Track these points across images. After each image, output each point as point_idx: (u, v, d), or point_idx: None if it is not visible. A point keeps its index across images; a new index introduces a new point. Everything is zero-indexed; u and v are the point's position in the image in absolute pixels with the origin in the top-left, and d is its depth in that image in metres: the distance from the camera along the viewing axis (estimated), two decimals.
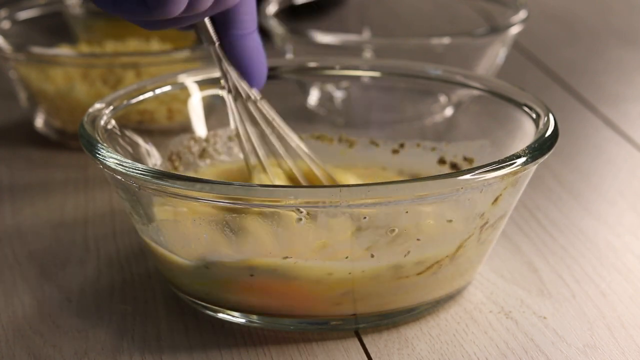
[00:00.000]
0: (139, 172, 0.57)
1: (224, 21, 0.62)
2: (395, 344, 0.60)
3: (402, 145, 0.73)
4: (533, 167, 0.60)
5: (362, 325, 0.61)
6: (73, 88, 0.85)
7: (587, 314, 0.62)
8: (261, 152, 0.65)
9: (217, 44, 0.63)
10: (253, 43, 0.63)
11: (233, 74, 0.64)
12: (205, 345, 0.60)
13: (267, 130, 0.65)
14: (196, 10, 0.57)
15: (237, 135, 0.66)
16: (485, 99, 0.70)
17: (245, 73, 0.64)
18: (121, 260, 0.69)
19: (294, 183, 0.66)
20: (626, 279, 0.66)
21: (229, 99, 0.65)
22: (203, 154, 0.72)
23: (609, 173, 0.82)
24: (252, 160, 0.65)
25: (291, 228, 0.57)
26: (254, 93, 0.65)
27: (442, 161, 0.71)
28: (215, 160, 0.72)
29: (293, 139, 0.66)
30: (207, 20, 0.62)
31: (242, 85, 0.64)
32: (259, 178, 0.65)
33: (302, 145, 0.66)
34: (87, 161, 0.82)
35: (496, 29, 0.91)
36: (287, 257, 0.58)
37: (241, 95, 0.64)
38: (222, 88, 0.64)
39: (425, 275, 0.59)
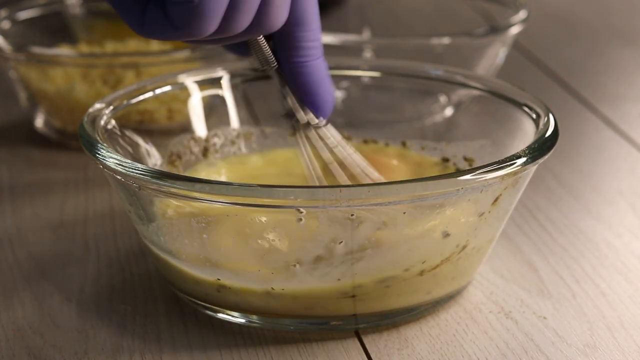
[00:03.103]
0: (139, 172, 0.57)
1: (283, 47, 0.58)
2: (395, 344, 0.60)
3: (403, 144, 0.73)
4: (533, 167, 0.60)
5: (362, 325, 0.61)
6: (73, 88, 0.85)
7: (587, 314, 0.62)
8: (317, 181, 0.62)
9: (272, 65, 0.59)
10: (312, 72, 0.59)
11: (289, 98, 0.60)
12: (205, 345, 0.60)
13: (328, 159, 0.61)
14: (231, 31, 0.54)
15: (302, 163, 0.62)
16: (485, 99, 0.70)
17: (306, 101, 0.60)
18: (121, 260, 0.69)
19: None
20: (626, 279, 0.66)
21: (289, 124, 0.61)
22: (205, 153, 0.72)
23: (609, 173, 0.82)
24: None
25: (292, 229, 0.57)
26: (315, 119, 0.61)
27: (444, 161, 0.71)
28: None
29: (357, 164, 0.62)
30: (258, 42, 0.58)
31: (299, 110, 0.60)
32: None
33: (372, 172, 0.63)
34: (87, 161, 0.82)
35: (496, 29, 0.91)
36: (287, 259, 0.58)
37: (297, 120, 0.61)
38: (288, 116, 0.61)
39: (425, 276, 0.59)
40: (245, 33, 0.56)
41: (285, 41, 0.58)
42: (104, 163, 0.59)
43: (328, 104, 0.60)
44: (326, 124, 0.62)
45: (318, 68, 0.59)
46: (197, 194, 0.56)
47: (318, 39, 0.59)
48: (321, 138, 0.61)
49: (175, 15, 0.53)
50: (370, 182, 0.62)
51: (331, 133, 0.62)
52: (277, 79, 0.60)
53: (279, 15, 0.56)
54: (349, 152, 0.62)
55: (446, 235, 0.59)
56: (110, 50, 0.92)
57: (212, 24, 0.53)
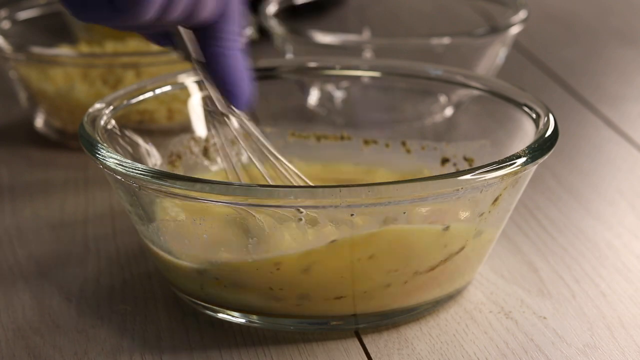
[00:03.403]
0: (139, 172, 0.57)
1: (203, 36, 0.60)
2: (395, 344, 0.60)
3: (403, 144, 0.73)
4: (533, 167, 0.60)
5: (362, 325, 0.61)
6: (73, 88, 0.85)
7: (587, 314, 0.62)
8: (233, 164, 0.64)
9: (195, 57, 0.61)
10: (232, 63, 0.61)
11: (209, 89, 0.61)
12: (205, 345, 0.60)
13: (244, 147, 0.63)
14: (169, 16, 0.56)
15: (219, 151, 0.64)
16: (485, 99, 0.70)
17: (224, 91, 0.61)
18: (121, 260, 0.69)
19: None
20: (626, 279, 0.66)
21: (207, 116, 0.63)
22: (206, 153, 0.72)
23: (609, 173, 0.82)
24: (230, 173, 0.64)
25: (292, 229, 0.57)
26: (231, 110, 0.62)
27: (444, 161, 0.71)
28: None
29: (276, 157, 0.63)
30: (184, 33, 0.60)
31: (219, 101, 0.62)
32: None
33: (284, 162, 0.64)
34: (87, 161, 0.82)
35: (496, 29, 0.91)
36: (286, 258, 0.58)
37: (215, 111, 0.62)
38: (205, 107, 0.63)
39: (425, 276, 0.59)
40: (179, 21, 0.58)
41: (209, 32, 0.60)
42: (104, 163, 0.59)
43: (245, 95, 0.62)
44: (247, 118, 0.63)
45: (237, 59, 0.61)
46: (197, 194, 0.56)
47: (239, 33, 0.61)
48: (237, 129, 0.63)
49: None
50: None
51: (249, 125, 0.63)
52: (198, 70, 0.61)
53: (211, 7, 0.58)
54: (260, 143, 0.63)
55: (446, 235, 0.59)
56: (110, 50, 0.91)
57: (153, 8, 0.55)
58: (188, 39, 0.60)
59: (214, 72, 0.61)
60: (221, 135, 0.63)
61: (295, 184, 0.63)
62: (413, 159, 0.72)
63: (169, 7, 0.56)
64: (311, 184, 0.64)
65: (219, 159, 0.65)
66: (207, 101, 0.62)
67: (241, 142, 0.63)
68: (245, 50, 0.61)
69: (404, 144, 0.73)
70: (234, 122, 0.63)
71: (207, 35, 0.60)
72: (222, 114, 0.62)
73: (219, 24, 0.60)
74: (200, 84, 0.62)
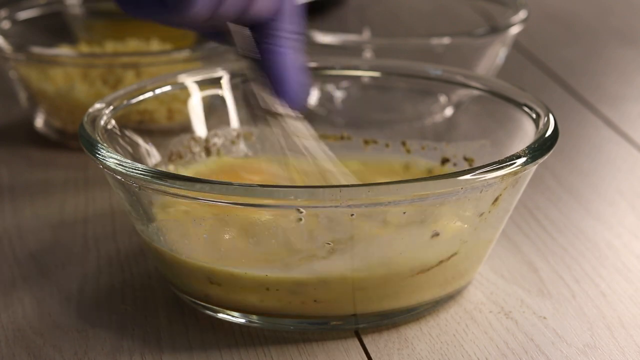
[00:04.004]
0: (139, 172, 0.57)
1: (262, 35, 0.60)
2: (395, 344, 0.60)
3: (403, 144, 0.73)
4: (533, 167, 0.60)
5: (362, 325, 0.61)
6: (73, 88, 0.85)
7: (587, 314, 0.62)
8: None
9: (250, 53, 0.60)
10: (285, 61, 0.60)
11: (257, 86, 0.61)
12: (205, 345, 0.60)
13: (291, 149, 0.62)
14: (221, 13, 0.56)
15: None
16: (485, 99, 0.70)
17: (278, 90, 0.61)
18: (121, 260, 0.69)
19: None
20: (626, 279, 0.66)
21: (255, 112, 0.63)
22: (207, 153, 0.72)
23: (609, 173, 0.82)
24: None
25: (292, 229, 0.57)
26: (280, 109, 0.61)
27: (444, 161, 0.71)
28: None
29: (322, 158, 0.62)
30: (237, 30, 0.59)
31: (267, 99, 0.61)
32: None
33: (341, 169, 0.63)
34: (87, 161, 0.82)
35: (496, 29, 0.91)
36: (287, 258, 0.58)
37: (262, 109, 0.62)
38: (254, 106, 0.62)
39: (424, 275, 0.59)
40: (232, 18, 0.57)
41: (264, 30, 0.60)
42: (104, 163, 0.59)
43: (299, 95, 0.61)
44: (300, 118, 0.62)
45: (290, 58, 0.60)
46: (197, 194, 0.56)
47: (297, 32, 0.60)
48: (290, 129, 0.62)
49: None
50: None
51: (303, 127, 0.62)
52: (253, 68, 0.61)
53: (265, 5, 0.58)
54: (316, 149, 0.62)
55: (446, 235, 0.59)
56: (110, 50, 0.92)
57: (204, 7, 0.55)
58: (241, 36, 0.60)
59: (266, 70, 0.60)
60: (276, 137, 0.62)
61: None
62: (413, 159, 0.72)
63: (221, 5, 0.56)
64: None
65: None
66: (256, 100, 0.61)
67: (282, 141, 0.62)
68: (301, 50, 0.61)
69: (403, 143, 0.73)
70: (281, 121, 0.62)
71: (262, 33, 0.60)
72: (271, 113, 0.61)
73: (274, 22, 0.59)
74: (251, 81, 0.61)
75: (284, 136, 0.62)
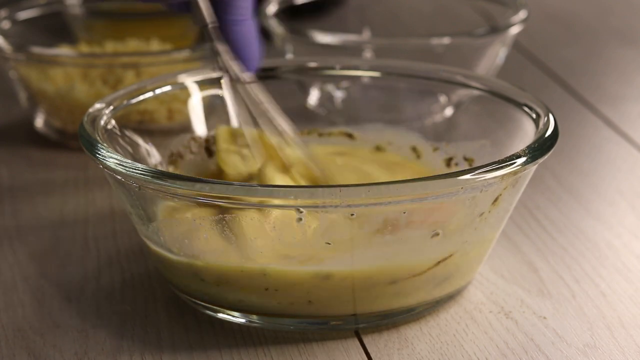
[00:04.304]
0: (139, 172, 0.57)
1: (220, 5, 0.64)
2: (395, 344, 0.60)
3: (413, 149, 0.73)
4: (533, 167, 0.60)
5: (362, 325, 0.61)
6: (73, 88, 0.85)
7: (587, 314, 0.62)
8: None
9: (210, 25, 0.64)
10: (246, 29, 0.65)
11: (224, 56, 0.65)
12: (205, 345, 0.60)
13: (256, 113, 0.66)
14: None
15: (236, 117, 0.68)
16: (485, 99, 0.70)
17: (238, 57, 0.65)
18: (121, 260, 0.69)
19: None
20: (626, 279, 0.66)
21: (222, 80, 0.66)
22: (210, 154, 0.72)
23: (609, 173, 0.82)
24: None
25: (291, 229, 0.57)
26: (245, 76, 0.65)
27: (448, 161, 0.71)
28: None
29: (281, 123, 0.66)
30: (202, 2, 0.63)
31: (232, 68, 0.65)
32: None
33: (290, 131, 0.66)
34: (87, 161, 0.82)
35: (496, 29, 0.91)
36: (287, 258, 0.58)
37: (231, 77, 0.65)
38: (218, 69, 0.65)
39: (424, 275, 0.59)
40: None
41: (222, 1, 0.64)
42: (104, 163, 0.59)
43: (255, 60, 0.66)
44: (257, 85, 0.66)
45: (247, 27, 0.65)
46: (197, 194, 0.56)
47: (251, 3, 0.65)
48: (248, 92, 0.66)
49: None
50: (289, 138, 0.66)
51: (257, 91, 0.66)
52: (212, 36, 0.64)
53: None
54: (272, 110, 0.66)
55: (446, 235, 0.59)
56: (110, 50, 0.92)
57: None
58: (204, 6, 0.64)
59: (226, 37, 0.64)
60: (235, 100, 0.66)
61: (293, 152, 0.66)
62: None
63: None
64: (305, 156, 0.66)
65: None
66: (220, 66, 0.65)
67: (250, 107, 0.66)
68: (254, 18, 0.65)
69: (415, 152, 0.73)
70: (244, 87, 0.66)
71: (221, 4, 0.64)
72: (233, 79, 0.65)
73: None
74: (213, 51, 0.65)
75: (249, 101, 0.66)
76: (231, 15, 0.64)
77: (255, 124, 0.66)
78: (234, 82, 0.65)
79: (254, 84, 0.66)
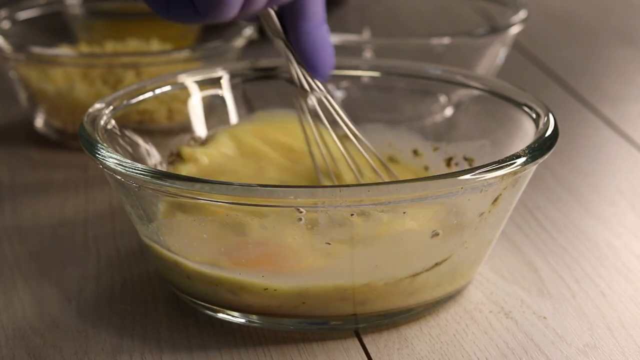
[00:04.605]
0: (139, 172, 0.57)
1: (290, 13, 0.62)
2: (395, 344, 0.60)
3: (414, 152, 0.73)
4: (533, 167, 0.60)
5: (362, 325, 0.61)
6: (73, 88, 0.85)
7: (587, 314, 0.62)
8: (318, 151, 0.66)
9: (281, 35, 0.62)
10: (319, 36, 0.62)
11: (297, 68, 0.63)
12: (205, 345, 0.60)
13: (329, 126, 0.65)
14: (252, 10, 0.57)
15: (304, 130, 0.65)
16: (485, 99, 0.70)
17: (309, 66, 0.63)
18: (121, 260, 0.69)
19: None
20: (626, 279, 0.66)
21: (295, 91, 0.64)
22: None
23: (609, 173, 0.82)
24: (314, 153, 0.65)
25: (291, 229, 0.57)
26: (319, 86, 0.64)
27: (448, 161, 0.71)
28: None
29: (356, 134, 0.65)
30: (272, 13, 0.61)
31: (307, 79, 0.63)
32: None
33: (366, 143, 0.65)
34: (87, 161, 0.82)
35: (496, 29, 0.91)
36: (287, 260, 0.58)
37: (305, 89, 0.64)
38: (290, 81, 0.64)
39: (424, 275, 0.59)
40: (267, 5, 0.58)
41: (293, 10, 0.61)
42: (104, 163, 0.59)
43: (327, 69, 0.63)
44: (330, 96, 0.65)
45: (321, 33, 0.62)
46: (197, 194, 0.56)
47: (322, 5, 0.62)
48: (322, 104, 0.64)
49: (200, 1, 0.55)
50: (365, 149, 0.65)
51: (331, 102, 0.64)
52: (283, 47, 0.63)
53: None
54: (347, 121, 0.65)
55: (445, 234, 0.59)
56: (110, 50, 0.92)
57: (235, 8, 0.56)
58: (273, 18, 0.62)
59: (298, 46, 0.62)
60: (305, 114, 0.65)
61: (366, 162, 0.65)
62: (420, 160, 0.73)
63: (251, 3, 0.57)
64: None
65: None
66: (292, 80, 0.64)
67: (322, 117, 0.64)
68: (326, 25, 0.63)
69: (415, 152, 0.73)
70: (315, 98, 0.64)
71: (292, 12, 0.61)
72: (305, 90, 0.64)
73: (302, 2, 0.61)
74: (288, 63, 0.64)
75: (325, 113, 0.64)
76: (301, 22, 0.62)
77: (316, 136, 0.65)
78: (306, 92, 0.64)
79: (329, 97, 0.64)
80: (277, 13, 0.62)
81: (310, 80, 0.64)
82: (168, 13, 0.57)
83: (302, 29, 0.62)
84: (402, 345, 0.59)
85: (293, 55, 0.63)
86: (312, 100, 0.64)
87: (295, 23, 0.62)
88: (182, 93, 0.73)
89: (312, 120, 0.65)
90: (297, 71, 0.63)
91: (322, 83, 0.64)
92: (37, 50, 0.85)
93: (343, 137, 0.65)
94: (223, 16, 0.56)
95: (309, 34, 0.62)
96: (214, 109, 0.73)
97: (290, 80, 0.64)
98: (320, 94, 0.64)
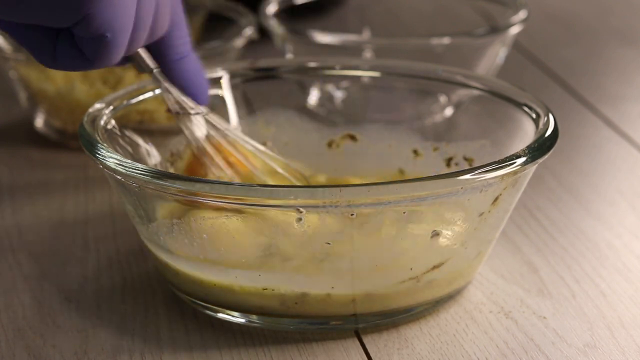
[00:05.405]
0: (139, 172, 0.57)
1: (158, 48, 0.62)
2: (395, 344, 0.60)
3: (415, 152, 0.73)
4: (533, 167, 0.60)
5: (362, 325, 0.61)
6: (73, 88, 0.85)
7: (587, 314, 0.62)
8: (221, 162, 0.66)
9: (154, 70, 0.62)
10: (190, 65, 0.63)
11: (175, 94, 0.63)
12: (205, 345, 0.60)
13: (222, 141, 0.65)
14: (132, 50, 0.58)
15: (195, 151, 0.65)
16: (485, 99, 0.70)
17: (187, 93, 0.64)
18: (121, 260, 0.69)
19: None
20: (626, 279, 0.66)
21: (177, 119, 0.64)
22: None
23: (609, 173, 0.82)
24: (215, 172, 0.65)
25: (291, 230, 0.57)
26: (200, 108, 0.64)
27: (448, 161, 0.71)
28: None
29: (250, 143, 0.66)
30: (141, 51, 0.61)
31: (187, 102, 0.64)
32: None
33: (262, 148, 0.67)
34: (87, 161, 0.82)
35: (496, 29, 0.91)
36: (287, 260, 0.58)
37: (188, 113, 0.64)
38: (169, 111, 0.64)
39: (425, 276, 0.59)
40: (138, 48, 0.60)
41: (162, 43, 0.62)
42: (104, 163, 0.59)
43: (205, 93, 0.64)
44: (212, 113, 0.65)
45: (191, 62, 0.63)
46: (197, 194, 0.56)
47: (185, 36, 0.63)
48: (209, 122, 0.65)
49: (88, 50, 0.56)
50: (262, 154, 0.66)
51: (216, 119, 0.65)
52: (159, 79, 0.63)
53: (166, 22, 0.60)
54: (237, 133, 0.66)
55: (445, 235, 0.59)
56: None
57: (121, 52, 0.56)
58: (144, 55, 0.62)
59: (172, 77, 0.63)
60: (197, 135, 0.65)
61: (271, 167, 0.66)
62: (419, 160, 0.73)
63: (132, 45, 0.57)
64: (281, 169, 0.66)
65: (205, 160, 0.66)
66: (173, 107, 0.64)
67: (217, 136, 0.65)
68: (194, 51, 0.64)
69: (415, 152, 0.73)
70: (202, 119, 0.65)
71: (160, 47, 0.62)
72: (191, 114, 0.64)
73: (171, 34, 0.62)
74: (164, 94, 0.64)
75: (214, 130, 0.65)
76: (170, 55, 0.62)
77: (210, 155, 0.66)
78: (191, 116, 0.64)
79: (211, 114, 0.65)
80: (147, 49, 0.62)
81: (191, 103, 0.64)
82: (54, 63, 0.57)
83: (174, 60, 0.62)
84: (402, 345, 0.59)
85: (169, 83, 0.63)
86: (200, 122, 0.65)
87: (165, 56, 0.62)
88: None
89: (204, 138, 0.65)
90: (176, 98, 0.63)
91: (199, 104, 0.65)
92: None
93: (235, 142, 0.66)
94: (111, 61, 0.56)
95: (181, 63, 0.63)
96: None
97: (170, 110, 0.64)
98: (205, 111, 0.65)
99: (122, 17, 0.55)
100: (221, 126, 0.65)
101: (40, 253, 0.70)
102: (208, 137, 0.65)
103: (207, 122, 0.65)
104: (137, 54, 0.61)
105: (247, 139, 0.66)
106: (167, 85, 0.63)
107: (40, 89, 0.86)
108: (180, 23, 0.62)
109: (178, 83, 0.63)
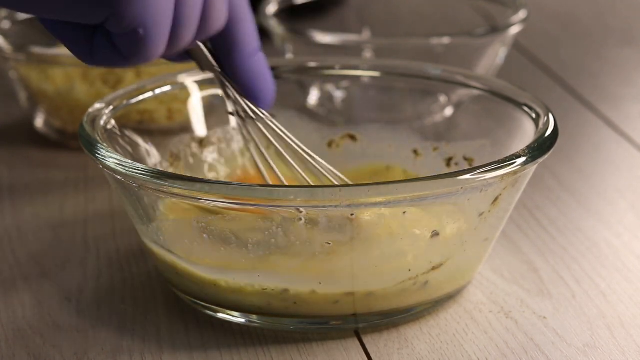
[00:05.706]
0: (139, 172, 0.57)
1: (222, 44, 0.59)
2: (395, 344, 0.60)
3: (415, 152, 0.73)
4: (533, 167, 0.60)
5: (362, 325, 0.61)
6: (73, 88, 0.85)
7: (587, 314, 0.62)
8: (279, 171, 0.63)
9: (215, 67, 0.60)
10: (255, 65, 0.60)
11: (237, 96, 0.61)
12: (205, 345, 0.60)
13: (281, 148, 0.62)
14: (178, 47, 0.56)
15: (252, 158, 0.64)
16: (485, 99, 0.70)
17: (251, 96, 0.61)
18: (121, 260, 0.69)
19: None
20: (626, 279, 0.66)
21: (237, 122, 0.62)
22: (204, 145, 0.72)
23: (609, 173, 0.82)
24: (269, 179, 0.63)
25: (291, 231, 0.57)
26: (262, 112, 0.62)
27: (448, 161, 0.71)
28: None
29: (308, 153, 0.64)
30: (202, 47, 0.59)
31: (248, 106, 0.61)
32: None
33: (318, 159, 0.64)
34: (87, 161, 0.82)
35: (496, 29, 0.91)
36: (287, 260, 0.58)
37: (250, 117, 0.62)
38: (230, 113, 0.62)
39: (424, 276, 0.59)
40: (195, 40, 0.57)
41: (226, 39, 0.59)
42: (104, 163, 0.59)
43: (269, 96, 0.61)
44: (273, 120, 0.62)
45: (257, 60, 0.60)
46: (197, 194, 0.56)
47: (252, 31, 0.59)
48: (270, 128, 0.62)
49: (123, 46, 0.54)
50: (318, 165, 0.63)
51: (277, 126, 0.62)
52: (219, 80, 0.61)
53: (221, 17, 0.57)
54: (296, 142, 0.63)
55: (445, 235, 0.59)
56: None
57: (160, 48, 0.54)
58: (204, 52, 0.59)
59: (238, 78, 0.60)
60: (254, 138, 0.63)
61: (330, 180, 0.63)
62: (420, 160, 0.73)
63: (176, 39, 0.55)
64: (349, 181, 0.64)
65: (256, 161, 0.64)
66: (233, 109, 0.62)
67: (275, 143, 0.62)
68: (261, 49, 0.60)
69: (415, 152, 0.73)
70: (261, 124, 0.62)
71: (225, 44, 0.59)
72: (250, 118, 0.62)
73: (233, 30, 0.59)
74: (225, 95, 0.61)
75: (272, 137, 0.62)
76: (237, 53, 0.59)
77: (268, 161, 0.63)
78: (251, 120, 0.61)
79: (274, 120, 0.62)
80: (208, 46, 0.59)
81: (254, 108, 0.61)
82: (92, 59, 0.55)
83: (238, 58, 0.59)
84: (402, 345, 0.59)
85: (232, 86, 0.61)
86: (259, 127, 0.62)
87: (229, 54, 0.59)
88: (182, 93, 0.73)
89: (260, 146, 0.63)
90: (238, 102, 0.61)
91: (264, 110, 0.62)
92: (37, 50, 0.85)
93: (298, 160, 0.63)
94: (149, 57, 0.54)
95: (245, 62, 0.60)
96: (214, 109, 0.73)
97: (231, 113, 0.62)
98: (266, 119, 0.62)
99: (155, 12, 0.52)
100: (284, 134, 0.62)
101: (40, 253, 0.70)
102: (268, 144, 0.62)
103: (268, 127, 0.62)
104: (197, 50, 0.59)
105: (307, 149, 0.63)
106: (228, 86, 0.61)
107: (40, 89, 0.86)
108: (245, 19, 0.59)
109: (242, 84, 0.60)
